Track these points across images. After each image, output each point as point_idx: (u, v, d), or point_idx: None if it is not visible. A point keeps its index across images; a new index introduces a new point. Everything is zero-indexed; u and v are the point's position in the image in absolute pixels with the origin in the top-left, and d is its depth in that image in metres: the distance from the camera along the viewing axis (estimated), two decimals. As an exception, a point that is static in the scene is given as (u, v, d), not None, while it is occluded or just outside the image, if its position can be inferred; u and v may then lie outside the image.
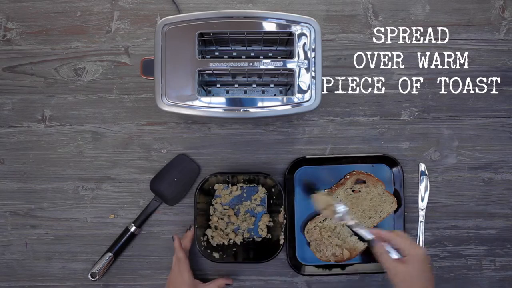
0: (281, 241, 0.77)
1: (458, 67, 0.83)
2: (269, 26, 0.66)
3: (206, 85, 0.74)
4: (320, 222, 0.80)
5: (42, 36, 0.82)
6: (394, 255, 0.66)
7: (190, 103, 0.66)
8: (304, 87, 0.66)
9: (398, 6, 0.83)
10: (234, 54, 0.72)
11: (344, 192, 0.80)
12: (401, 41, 0.83)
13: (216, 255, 0.78)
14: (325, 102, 0.82)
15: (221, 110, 0.66)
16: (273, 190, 0.79)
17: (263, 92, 0.77)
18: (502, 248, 0.83)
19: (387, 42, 0.83)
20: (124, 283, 0.81)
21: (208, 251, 0.78)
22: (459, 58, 0.83)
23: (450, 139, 0.83)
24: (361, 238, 0.79)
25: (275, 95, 0.77)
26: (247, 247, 0.80)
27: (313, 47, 0.66)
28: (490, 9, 0.84)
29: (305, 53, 0.66)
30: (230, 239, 0.80)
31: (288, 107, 0.66)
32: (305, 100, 0.66)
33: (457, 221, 0.83)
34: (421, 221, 0.82)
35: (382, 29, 0.83)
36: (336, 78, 0.83)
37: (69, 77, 0.82)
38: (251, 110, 0.66)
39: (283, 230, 0.77)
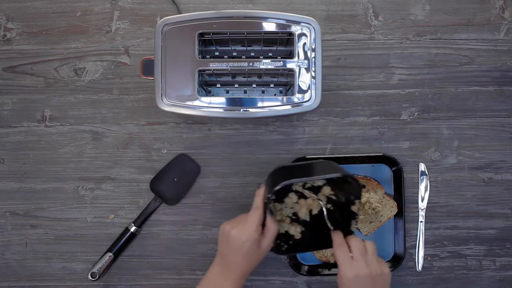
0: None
1: (458, 67, 0.83)
2: (269, 26, 0.66)
3: (206, 85, 0.74)
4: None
5: (42, 36, 0.82)
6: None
7: (190, 103, 0.66)
8: (304, 87, 0.66)
9: (398, 6, 0.83)
10: (234, 54, 0.72)
11: None
12: (401, 41, 0.83)
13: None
14: (325, 102, 0.82)
15: (221, 110, 0.66)
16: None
17: (263, 92, 0.77)
18: (502, 248, 0.83)
19: (387, 42, 0.83)
20: (124, 283, 0.81)
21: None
22: (459, 58, 0.83)
23: (450, 139, 0.83)
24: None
25: (275, 95, 0.77)
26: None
27: (313, 47, 0.66)
28: (490, 9, 0.84)
29: (305, 53, 0.66)
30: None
31: (288, 107, 0.66)
32: (305, 100, 0.66)
33: (457, 221, 0.83)
34: (421, 221, 0.82)
35: (382, 29, 0.83)
36: (336, 78, 0.83)
37: (69, 77, 0.82)
38: (251, 110, 0.66)
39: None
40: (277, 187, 0.61)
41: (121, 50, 0.82)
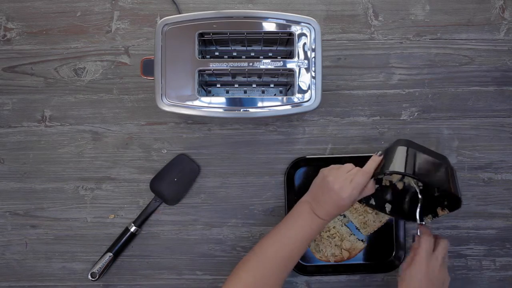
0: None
1: (458, 67, 0.83)
2: (269, 26, 0.66)
3: (206, 85, 0.74)
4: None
5: (42, 36, 0.82)
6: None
7: (190, 103, 0.66)
8: (304, 87, 0.66)
9: (398, 6, 0.83)
10: (234, 54, 0.72)
11: None
12: (401, 41, 0.83)
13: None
14: (325, 102, 0.82)
15: (221, 110, 0.66)
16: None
17: (263, 92, 0.77)
18: (502, 248, 0.83)
19: (387, 42, 0.83)
20: (124, 283, 0.81)
21: None
22: (459, 58, 0.83)
23: (450, 139, 0.83)
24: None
25: (275, 95, 0.77)
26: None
27: (313, 47, 0.66)
28: (490, 9, 0.84)
29: (305, 53, 0.66)
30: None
31: (288, 107, 0.66)
32: (305, 100, 0.66)
33: (457, 221, 0.83)
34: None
35: (382, 29, 0.83)
36: (336, 78, 0.83)
37: (69, 77, 0.82)
38: (251, 110, 0.66)
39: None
40: (388, 172, 0.65)
41: (121, 50, 0.82)
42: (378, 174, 0.66)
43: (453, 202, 0.68)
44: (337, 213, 0.67)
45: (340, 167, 0.68)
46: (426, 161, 0.67)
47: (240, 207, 0.82)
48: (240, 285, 0.64)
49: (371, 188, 0.67)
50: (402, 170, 0.64)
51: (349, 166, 0.68)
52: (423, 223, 0.69)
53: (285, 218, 0.69)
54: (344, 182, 0.65)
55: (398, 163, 0.66)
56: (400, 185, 0.75)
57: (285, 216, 0.70)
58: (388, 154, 0.68)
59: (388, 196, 0.76)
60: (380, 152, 0.69)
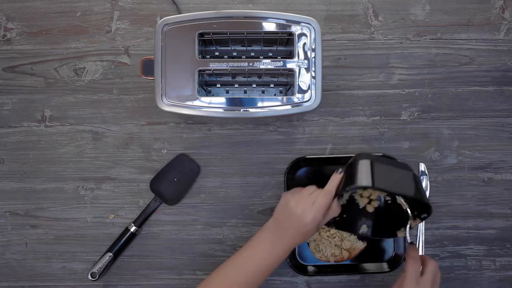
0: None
1: (458, 67, 0.83)
2: (269, 26, 0.66)
3: (206, 85, 0.74)
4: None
5: (42, 36, 0.82)
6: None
7: (190, 103, 0.66)
8: (304, 87, 0.66)
9: (398, 6, 0.83)
10: (234, 54, 0.72)
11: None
12: (401, 41, 0.83)
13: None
14: (325, 102, 0.82)
15: (221, 110, 0.66)
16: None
17: (263, 92, 0.77)
18: (502, 248, 0.83)
19: (387, 42, 0.83)
20: (124, 283, 0.81)
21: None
22: (459, 58, 0.83)
23: (450, 139, 0.83)
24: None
25: (275, 95, 0.77)
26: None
27: (313, 47, 0.66)
28: (490, 9, 0.84)
29: (305, 53, 0.66)
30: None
31: (288, 107, 0.66)
32: (305, 100, 0.66)
33: (457, 221, 0.83)
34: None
35: (382, 29, 0.83)
36: (336, 78, 0.83)
37: (69, 77, 0.82)
38: (251, 110, 0.66)
39: None
40: (353, 188, 0.61)
41: (121, 50, 0.82)
42: (341, 192, 0.63)
43: (423, 210, 0.65)
44: (301, 239, 0.64)
45: (302, 189, 0.66)
46: (390, 172, 0.64)
47: (240, 207, 0.82)
48: None
49: (335, 209, 0.64)
50: (369, 184, 0.61)
51: (311, 188, 0.65)
52: (410, 240, 0.66)
53: (248, 244, 0.66)
54: (306, 206, 0.62)
55: (363, 177, 0.62)
56: (370, 208, 0.71)
57: (249, 240, 0.67)
58: (350, 170, 0.65)
59: (361, 218, 0.71)
60: (340, 169, 0.66)
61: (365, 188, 0.63)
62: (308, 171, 0.82)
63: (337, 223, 0.70)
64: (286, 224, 0.64)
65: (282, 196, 0.67)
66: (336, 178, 0.64)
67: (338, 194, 0.64)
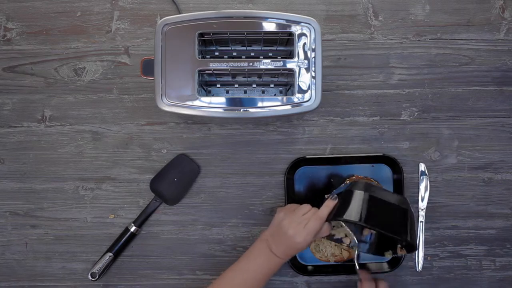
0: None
1: (458, 67, 0.83)
2: (269, 26, 0.66)
3: (206, 85, 0.74)
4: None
5: (42, 36, 0.82)
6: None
7: (190, 103, 0.66)
8: (304, 87, 0.66)
9: (398, 6, 0.83)
10: (234, 54, 0.72)
11: None
12: (401, 41, 0.83)
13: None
14: (325, 102, 0.82)
15: (221, 110, 0.66)
16: None
17: (263, 92, 0.77)
18: (502, 248, 0.83)
19: (387, 42, 0.83)
20: (124, 283, 0.81)
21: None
22: (459, 58, 0.83)
23: (450, 139, 0.83)
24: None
25: (275, 95, 0.77)
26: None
27: (313, 47, 0.66)
28: (490, 9, 0.84)
29: (305, 53, 0.66)
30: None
31: (288, 107, 0.66)
32: (305, 100, 0.66)
33: (457, 221, 0.83)
34: (421, 221, 0.82)
35: (382, 29, 0.83)
36: (336, 78, 0.83)
37: (69, 77, 0.82)
38: (251, 110, 0.66)
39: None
40: (341, 220, 0.65)
41: (121, 50, 0.82)
42: (332, 219, 0.67)
43: (410, 246, 0.69)
44: (294, 253, 0.69)
45: (296, 208, 0.70)
46: (383, 208, 0.67)
47: (240, 207, 0.82)
48: None
49: (326, 231, 0.68)
50: (357, 220, 0.64)
51: (305, 208, 0.69)
52: (358, 268, 0.72)
53: (246, 254, 0.71)
54: (298, 227, 0.66)
55: (354, 210, 0.66)
56: (365, 232, 0.76)
57: (247, 250, 0.71)
58: (344, 198, 0.68)
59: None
60: (335, 195, 0.69)
61: (353, 223, 0.66)
62: (308, 171, 0.82)
63: (328, 236, 0.73)
64: (279, 241, 0.68)
65: (277, 213, 0.71)
66: (329, 204, 0.69)
67: (329, 220, 0.67)
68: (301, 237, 0.66)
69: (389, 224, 0.66)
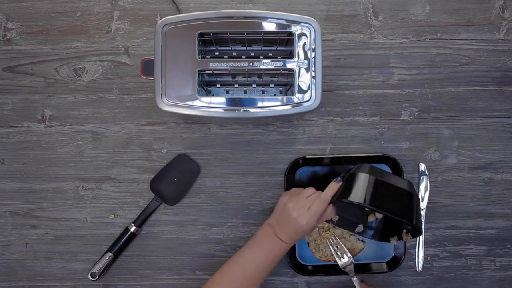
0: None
1: (458, 67, 0.83)
2: (269, 26, 0.66)
3: (206, 85, 0.74)
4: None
5: (42, 36, 0.82)
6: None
7: (190, 103, 0.66)
8: (304, 87, 0.66)
9: (398, 6, 0.83)
10: (234, 54, 0.72)
11: None
12: (401, 41, 0.83)
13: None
14: (325, 102, 0.82)
15: (221, 110, 0.66)
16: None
17: (263, 92, 0.77)
18: (502, 248, 0.83)
19: (387, 42, 0.83)
20: (124, 283, 0.81)
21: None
22: (459, 58, 0.83)
23: (450, 139, 0.83)
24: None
25: (275, 95, 0.77)
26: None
27: (313, 47, 0.66)
28: (490, 9, 0.84)
29: (305, 53, 0.66)
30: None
31: (288, 107, 0.66)
32: (305, 100, 0.66)
33: (457, 221, 0.83)
34: (421, 221, 0.82)
35: (382, 29, 0.83)
36: (336, 78, 0.83)
37: (69, 77, 0.82)
38: (251, 110, 0.66)
39: None
40: (346, 202, 0.65)
41: (121, 50, 0.82)
42: (336, 202, 0.67)
43: (415, 230, 0.69)
44: (298, 237, 0.69)
45: (301, 192, 0.69)
46: (388, 191, 0.66)
47: (240, 207, 0.82)
48: None
49: (330, 214, 0.68)
50: (362, 201, 0.64)
51: (309, 191, 0.69)
52: (353, 273, 0.76)
53: (250, 241, 0.70)
54: (302, 210, 0.66)
55: (358, 192, 0.65)
56: (371, 218, 0.75)
57: (251, 238, 0.71)
58: (348, 181, 0.68)
59: (360, 219, 0.75)
60: (339, 178, 0.69)
61: (357, 204, 0.65)
62: (308, 171, 0.82)
63: (336, 222, 0.74)
64: (283, 225, 0.68)
65: (282, 196, 0.71)
66: (333, 187, 0.68)
67: (333, 202, 0.67)
68: (304, 219, 0.66)
69: (394, 207, 0.65)
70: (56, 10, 0.82)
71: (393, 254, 0.81)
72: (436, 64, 0.83)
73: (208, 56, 0.72)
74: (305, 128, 0.83)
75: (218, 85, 0.74)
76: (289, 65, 0.66)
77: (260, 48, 0.72)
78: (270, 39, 0.69)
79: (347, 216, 0.75)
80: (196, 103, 0.66)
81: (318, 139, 0.83)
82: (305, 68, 0.66)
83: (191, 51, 0.65)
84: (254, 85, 0.75)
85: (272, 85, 0.76)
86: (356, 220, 0.75)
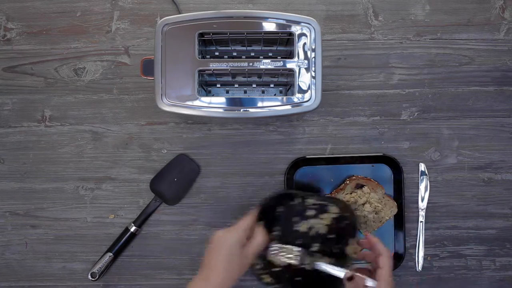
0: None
1: (458, 67, 0.83)
2: (269, 26, 0.66)
3: (206, 85, 0.74)
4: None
5: (42, 36, 0.82)
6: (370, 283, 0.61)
7: (190, 103, 0.66)
8: (304, 87, 0.66)
9: (398, 6, 0.83)
10: (234, 54, 0.72)
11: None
12: (401, 41, 0.83)
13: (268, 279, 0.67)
14: (325, 102, 0.82)
15: (221, 110, 0.66)
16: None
17: (263, 92, 0.77)
18: (502, 248, 0.83)
19: (387, 42, 0.83)
20: (124, 283, 0.81)
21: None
22: (459, 58, 0.83)
23: (450, 139, 0.83)
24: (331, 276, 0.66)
25: (275, 95, 0.77)
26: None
27: (313, 47, 0.66)
28: (490, 9, 0.84)
29: (305, 53, 0.66)
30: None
31: (288, 107, 0.66)
32: (305, 100, 0.66)
33: (457, 221, 0.83)
34: (421, 221, 0.82)
35: (382, 29, 0.83)
36: (336, 78, 0.83)
37: (69, 77, 0.82)
38: (251, 110, 0.66)
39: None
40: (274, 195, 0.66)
41: (121, 50, 0.82)
42: (260, 208, 0.67)
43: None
44: (227, 275, 0.59)
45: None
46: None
47: (240, 207, 0.82)
48: None
49: (259, 234, 0.63)
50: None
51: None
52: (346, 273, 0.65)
53: None
54: (228, 230, 0.62)
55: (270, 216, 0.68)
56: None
57: None
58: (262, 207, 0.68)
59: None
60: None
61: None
62: (308, 171, 0.82)
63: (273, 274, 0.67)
64: (210, 258, 0.61)
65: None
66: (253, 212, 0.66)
67: (259, 218, 0.66)
68: (230, 233, 0.61)
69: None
70: (56, 10, 0.82)
71: (393, 254, 0.81)
72: (436, 64, 0.83)
73: (208, 56, 0.72)
74: (305, 128, 0.83)
75: (218, 85, 0.74)
76: (289, 65, 0.66)
77: (260, 48, 0.72)
78: (270, 39, 0.69)
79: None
80: (196, 103, 0.66)
81: (318, 139, 0.83)
82: (305, 68, 0.66)
83: (191, 51, 0.65)
84: (254, 85, 0.75)
85: (272, 85, 0.76)
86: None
